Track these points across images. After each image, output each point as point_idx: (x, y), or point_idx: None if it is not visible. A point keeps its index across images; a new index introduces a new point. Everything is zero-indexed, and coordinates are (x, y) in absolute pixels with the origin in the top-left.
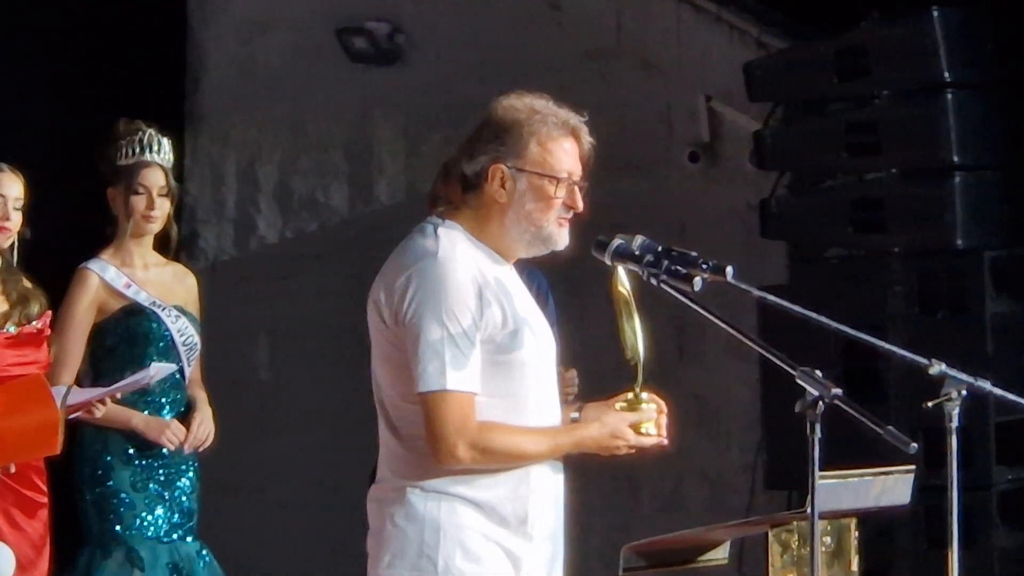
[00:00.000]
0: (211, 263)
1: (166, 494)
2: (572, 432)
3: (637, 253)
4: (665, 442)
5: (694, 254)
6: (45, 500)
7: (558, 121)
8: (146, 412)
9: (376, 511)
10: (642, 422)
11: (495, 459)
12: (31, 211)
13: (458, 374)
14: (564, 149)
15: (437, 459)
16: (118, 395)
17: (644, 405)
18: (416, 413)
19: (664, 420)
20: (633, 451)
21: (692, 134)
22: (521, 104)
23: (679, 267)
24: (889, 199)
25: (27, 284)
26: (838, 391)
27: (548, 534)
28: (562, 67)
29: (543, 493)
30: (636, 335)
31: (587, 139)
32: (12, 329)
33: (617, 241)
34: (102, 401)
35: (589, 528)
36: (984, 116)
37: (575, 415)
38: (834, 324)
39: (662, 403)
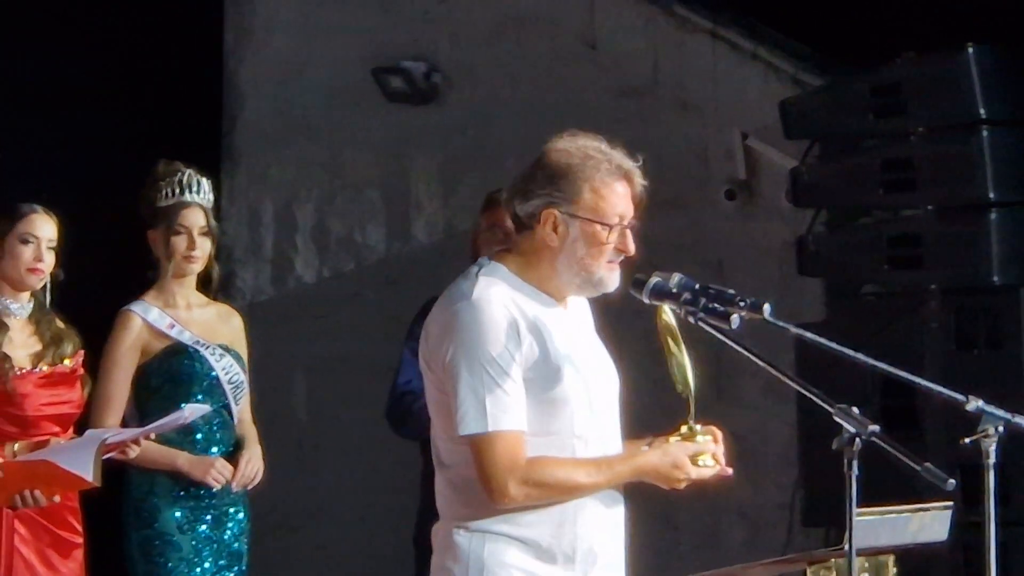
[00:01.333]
0: (248, 303)
1: (214, 535)
2: (631, 460)
3: (675, 291)
4: (728, 471)
5: (731, 292)
6: (80, 540)
7: (611, 166)
8: (193, 452)
9: (435, 551)
10: (701, 453)
11: (549, 493)
12: (66, 253)
13: (500, 414)
14: (617, 194)
15: (491, 500)
16: (152, 436)
17: (699, 437)
18: (461, 453)
19: (721, 450)
20: (688, 484)
21: (729, 172)
22: (574, 148)
23: (716, 305)
24: (925, 236)
25: (60, 324)
26: (875, 428)
27: (604, 565)
28: (599, 106)
29: (595, 525)
30: (686, 368)
31: (640, 181)
32: (45, 369)
33: (655, 279)
34: (136, 442)
35: (627, 565)
36: (1019, 152)
37: (645, 448)
38: (871, 361)
39: (718, 433)
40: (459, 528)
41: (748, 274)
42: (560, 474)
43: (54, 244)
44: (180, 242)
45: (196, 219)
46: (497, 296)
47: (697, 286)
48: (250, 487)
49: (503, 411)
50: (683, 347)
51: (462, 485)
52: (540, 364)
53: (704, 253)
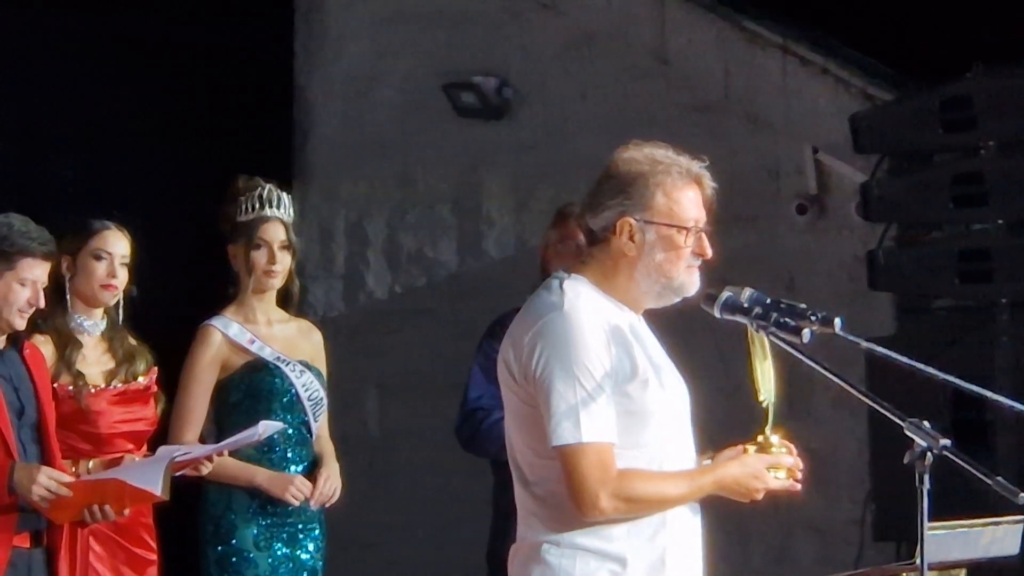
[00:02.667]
0: (320, 319)
1: (291, 553)
2: (712, 471)
3: (746, 305)
4: (797, 487)
5: (803, 306)
6: (154, 557)
7: (681, 170)
8: (271, 468)
9: (516, 570)
10: (780, 466)
11: (639, 507)
12: (139, 269)
13: (593, 425)
14: (689, 198)
15: (581, 512)
16: (225, 452)
17: (775, 448)
18: (550, 469)
19: (797, 463)
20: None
21: (799, 186)
22: (642, 155)
23: (788, 319)
24: (995, 250)
25: (133, 341)
26: (947, 442)
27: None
28: (669, 121)
29: (681, 538)
30: (769, 378)
31: (710, 185)
32: (118, 386)
33: (726, 294)
34: (209, 458)
35: None
36: None
37: (707, 462)
38: (942, 375)
39: (792, 447)
40: (548, 544)
41: (819, 288)
42: (650, 487)
43: (127, 260)
44: (260, 257)
45: (276, 233)
46: (587, 307)
47: (768, 300)
48: (328, 505)
49: (596, 422)
50: (768, 357)
51: (550, 500)
52: (628, 376)
53: (775, 268)
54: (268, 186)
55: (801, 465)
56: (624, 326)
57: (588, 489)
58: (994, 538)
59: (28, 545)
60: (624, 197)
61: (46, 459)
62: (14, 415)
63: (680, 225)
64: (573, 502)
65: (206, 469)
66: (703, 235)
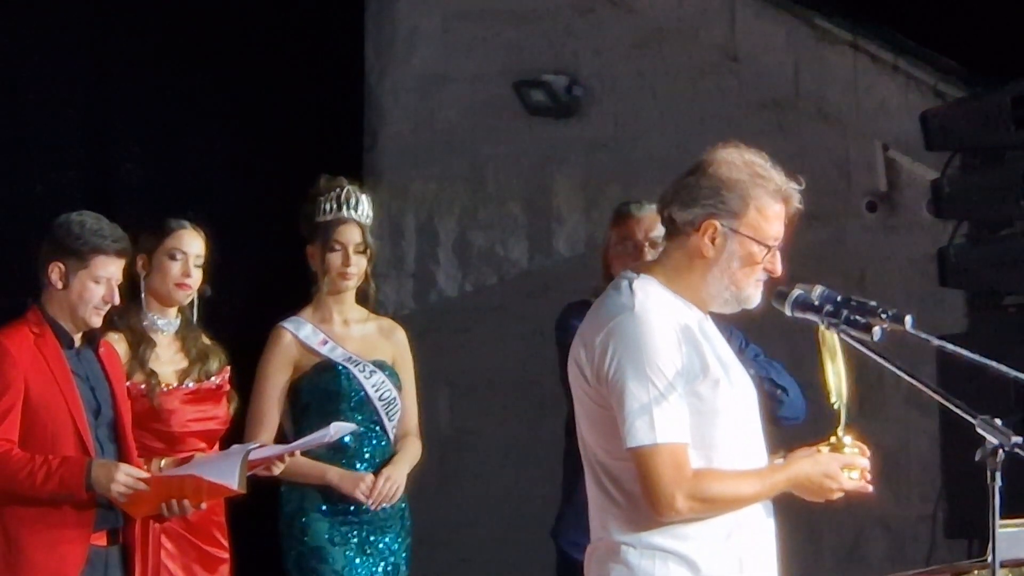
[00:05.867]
0: (391, 317)
1: (368, 548)
2: (786, 469)
3: (817, 303)
4: (869, 488)
5: (873, 303)
6: (226, 556)
7: (776, 187)
8: (342, 468)
9: (592, 569)
10: (853, 466)
11: (715, 507)
12: (213, 269)
13: (668, 426)
14: (777, 216)
15: (656, 513)
16: (298, 452)
17: (847, 449)
18: (626, 469)
19: (868, 465)
20: (842, 495)
21: (870, 184)
22: (741, 162)
23: (858, 317)
24: None
25: (206, 341)
26: (1018, 439)
27: (764, 574)
28: (739, 118)
29: (756, 538)
30: (841, 378)
31: (796, 205)
32: (191, 385)
33: (797, 291)
34: (281, 458)
35: None
36: None
37: (779, 461)
38: (1013, 372)
39: (865, 447)
40: (627, 546)
41: (890, 286)
42: (726, 487)
43: (201, 260)
44: (335, 258)
45: (352, 236)
46: (657, 307)
47: (839, 298)
48: (387, 504)
49: (670, 422)
50: (840, 358)
51: (625, 501)
52: (699, 375)
53: (846, 265)
54: (348, 187)
55: (870, 466)
56: (693, 325)
57: (663, 490)
58: None
59: (105, 543)
60: (718, 200)
61: (123, 457)
62: (91, 414)
63: (763, 242)
64: (648, 503)
65: (278, 469)
66: (777, 252)
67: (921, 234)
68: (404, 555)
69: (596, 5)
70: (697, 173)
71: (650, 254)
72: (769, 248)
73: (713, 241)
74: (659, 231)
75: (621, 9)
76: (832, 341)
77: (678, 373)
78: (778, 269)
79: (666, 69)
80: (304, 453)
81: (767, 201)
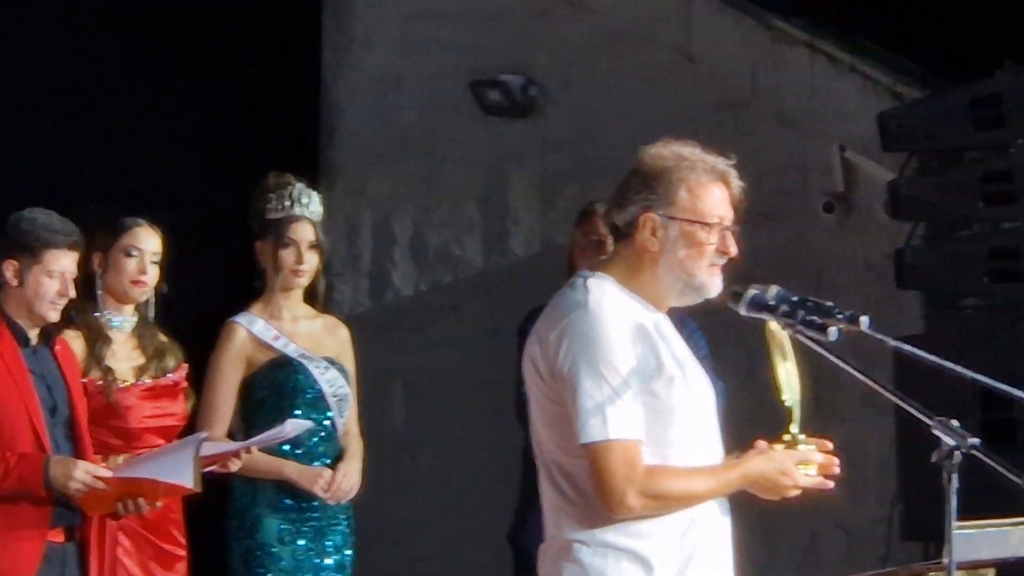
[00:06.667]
0: (346, 316)
1: (315, 547)
2: (740, 466)
3: (772, 303)
4: (829, 484)
5: (829, 304)
6: (183, 553)
7: (707, 167)
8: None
9: (545, 568)
10: (806, 462)
11: (667, 504)
12: (169, 266)
13: (621, 422)
14: (714, 195)
15: (608, 510)
16: (254, 449)
17: (802, 446)
18: (579, 467)
19: (825, 460)
20: (798, 492)
21: (827, 184)
22: (668, 152)
23: (814, 317)
24: None
25: (163, 338)
26: (975, 441)
27: (717, 573)
28: (696, 119)
29: (710, 536)
30: (793, 376)
31: (737, 183)
32: (148, 381)
33: (752, 291)
34: (237, 455)
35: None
36: None
37: (735, 460)
38: (970, 374)
39: (828, 444)
40: (580, 544)
41: (846, 287)
42: (678, 484)
43: (158, 257)
44: (288, 255)
45: (305, 233)
46: (612, 305)
47: (795, 298)
48: (343, 501)
49: (623, 419)
50: (791, 357)
51: (579, 498)
52: (654, 373)
53: (802, 266)
54: (299, 184)
55: (837, 461)
56: (649, 324)
57: (616, 486)
58: (1023, 538)
59: (62, 540)
60: (648, 192)
61: (79, 455)
62: (47, 413)
63: (703, 221)
64: (601, 500)
65: (235, 466)
66: (727, 233)
67: (878, 235)
68: (350, 553)
69: (553, 6)
70: (629, 174)
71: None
72: (711, 227)
73: (654, 233)
74: None
75: (578, 10)
76: (782, 338)
77: (632, 370)
78: (732, 249)
79: (622, 69)
80: (259, 450)
81: (698, 181)
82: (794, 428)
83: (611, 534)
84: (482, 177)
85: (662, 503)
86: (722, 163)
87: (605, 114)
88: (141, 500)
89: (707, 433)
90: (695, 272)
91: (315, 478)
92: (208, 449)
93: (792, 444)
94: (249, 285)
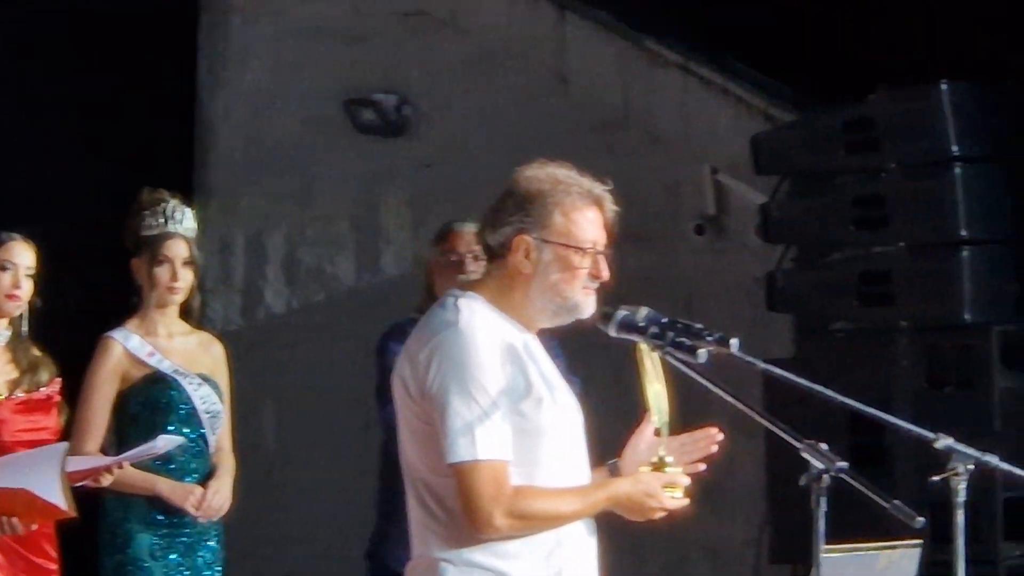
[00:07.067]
0: (219, 332)
1: (186, 563)
2: (606, 487)
3: (642, 325)
4: (685, 502)
5: (699, 326)
6: (55, 567)
7: (582, 191)
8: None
9: None
10: (675, 485)
11: (534, 524)
12: (43, 281)
13: (489, 443)
14: (588, 219)
15: (476, 530)
16: (126, 464)
17: (669, 468)
18: (447, 486)
19: (688, 482)
20: (664, 514)
21: (699, 207)
22: (544, 174)
23: (684, 339)
24: (896, 273)
25: (36, 352)
26: (843, 464)
27: None
28: (569, 140)
29: (578, 555)
30: (661, 398)
31: (611, 208)
32: (21, 395)
33: (622, 313)
34: (109, 470)
35: None
36: (992, 190)
37: (613, 460)
38: (840, 397)
39: (711, 429)
40: (446, 563)
41: (717, 309)
42: (545, 505)
43: (32, 272)
44: (163, 272)
45: (179, 250)
46: (482, 324)
47: (664, 320)
48: (215, 518)
49: (491, 439)
50: (660, 378)
51: (446, 517)
52: (522, 394)
53: (673, 288)
54: (172, 201)
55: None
56: (518, 344)
57: (482, 507)
58: (891, 562)
59: None
60: (523, 215)
61: None
62: None
63: (577, 246)
64: (467, 519)
65: (107, 481)
66: (600, 257)
67: (749, 258)
68: (219, 568)
69: (427, 26)
70: (503, 195)
71: (472, 266)
72: (584, 251)
73: (528, 256)
74: None
75: (452, 30)
76: (652, 361)
77: (501, 391)
78: (604, 274)
79: (496, 90)
80: (132, 465)
81: (573, 205)
82: (662, 451)
83: (478, 554)
84: (355, 196)
85: (529, 523)
86: (598, 188)
87: (478, 134)
88: (15, 520)
89: (575, 454)
90: (568, 294)
91: (186, 495)
92: (80, 464)
93: (660, 466)
94: (125, 301)
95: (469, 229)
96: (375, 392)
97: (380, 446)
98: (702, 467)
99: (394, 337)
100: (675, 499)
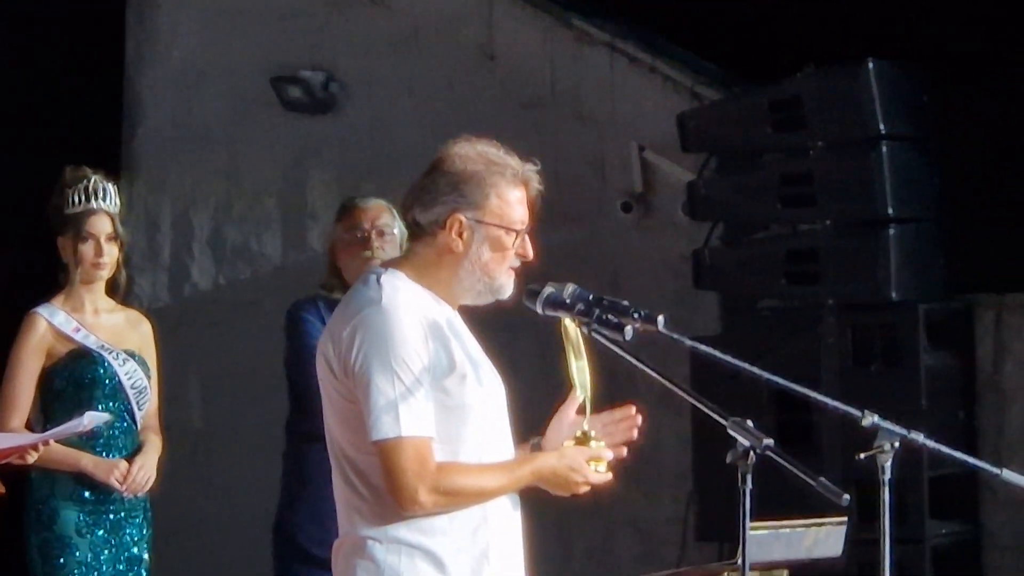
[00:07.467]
0: (145, 309)
1: (113, 540)
2: (531, 462)
3: (568, 302)
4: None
5: (626, 303)
6: None
7: (514, 172)
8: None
9: (340, 564)
10: (597, 459)
11: (458, 500)
12: None
13: (412, 420)
14: (518, 199)
15: (400, 507)
16: (52, 441)
17: (594, 443)
18: (371, 464)
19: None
20: (587, 488)
21: (625, 184)
22: (475, 153)
23: (610, 316)
24: (823, 251)
25: None
26: (769, 441)
27: (509, 571)
28: (496, 117)
29: (504, 532)
30: (585, 373)
31: (536, 187)
32: None
33: (548, 290)
34: (35, 447)
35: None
36: (919, 168)
37: (536, 440)
38: (767, 375)
39: (629, 408)
40: (372, 541)
41: (643, 287)
42: (469, 480)
43: None
44: (88, 249)
45: (103, 226)
46: (405, 302)
47: (591, 297)
48: (139, 493)
49: (414, 416)
50: (584, 354)
51: (371, 495)
52: (446, 371)
53: (599, 265)
54: (94, 178)
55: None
56: (442, 321)
57: (407, 483)
58: (817, 539)
59: None
60: (458, 195)
61: None
62: None
63: (510, 227)
64: (392, 496)
65: (32, 458)
66: (526, 237)
67: (676, 235)
68: (146, 545)
69: (354, 3)
70: (434, 172)
71: (377, 242)
72: (517, 233)
73: (460, 235)
74: (385, 220)
75: (378, 7)
76: (576, 335)
77: (424, 368)
78: (529, 253)
79: (423, 67)
80: (57, 441)
81: (506, 187)
82: (586, 425)
83: (403, 531)
84: (281, 172)
85: (453, 499)
86: (528, 168)
87: (405, 111)
88: None
89: (499, 430)
90: (495, 275)
91: (111, 470)
92: (5, 441)
93: (583, 440)
94: (48, 278)
95: (373, 205)
96: (285, 370)
97: (286, 422)
98: (624, 452)
99: (302, 309)
100: (599, 473)
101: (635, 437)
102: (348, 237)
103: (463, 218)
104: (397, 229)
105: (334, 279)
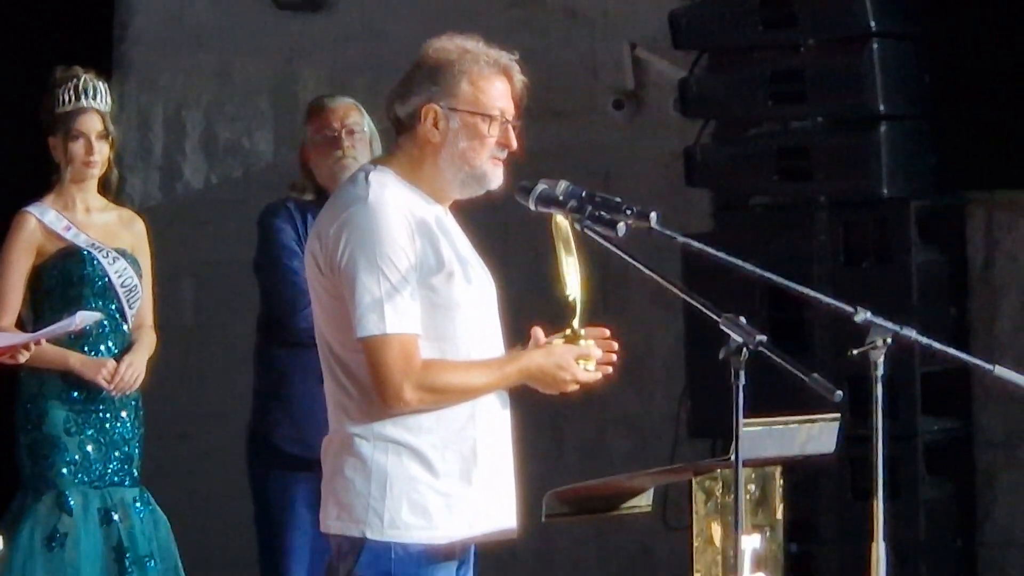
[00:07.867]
0: (137, 208)
1: (102, 439)
2: (518, 359)
3: (561, 199)
4: (608, 369)
5: (618, 200)
6: None
7: (489, 60)
8: (84, 354)
9: (328, 461)
10: (585, 357)
11: (443, 397)
12: None
13: (398, 316)
14: (496, 88)
15: (385, 404)
16: (43, 341)
17: (583, 341)
18: (358, 361)
19: (605, 354)
20: (577, 386)
21: (617, 82)
22: (452, 45)
23: (603, 213)
24: (814, 148)
25: None
26: (763, 337)
27: (498, 467)
28: (488, 15)
29: (489, 428)
30: (575, 270)
31: (519, 78)
32: None
33: (541, 186)
34: (26, 347)
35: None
36: (910, 65)
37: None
38: (759, 271)
39: (605, 331)
40: (359, 438)
41: (635, 184)
42: (454, 378)
43: None
44: (78, 148)
45: (93, 124)
46: (392, 198)
47: (584, 193)
48: (128, 391)
49: (400, 313)
50: (574, 252)
51: (358, 393)
52: (434, 268)
53: (591, 163)
54: (85, 76)
55: (615, 350)
56: (430, 219)
57: (392, 380)
58: (810, 436)
59: None
60: (431, 84)
61: None
62: None
63: (484, 113)
64: (377, 393)
65: (23, 357)
66: (509, 126)
67: (668, 133)
68: (137, 444)
69: None
70: (412, 68)
71: (348, 141)
72: (492, 119)
73: (436, 125)
74: (354, 119)
75: None
76: (566, 232)
77: (411, 265)
78: (512, 143)
79: None
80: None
81: (480, 73)
82: (575, 323)
83: (390, 428)
84: (273, 71)
85: (439, 396)
86: (505, 57)
87: (396, 9)
88: None
89: (488, 329)
90: (476, 163)
91: (98, 368)
92: None
93: (572, 339)
94: (40, 177)
95: (341, 104)
96: (252, 267)
97: (257, 321)
98: (609, 370)
99: (273, 213)
100: (588, 371)
101: (613, 359)
102: (318, 138)
103: (437, 107)
104: (367, 127)
105: (306, 180)
